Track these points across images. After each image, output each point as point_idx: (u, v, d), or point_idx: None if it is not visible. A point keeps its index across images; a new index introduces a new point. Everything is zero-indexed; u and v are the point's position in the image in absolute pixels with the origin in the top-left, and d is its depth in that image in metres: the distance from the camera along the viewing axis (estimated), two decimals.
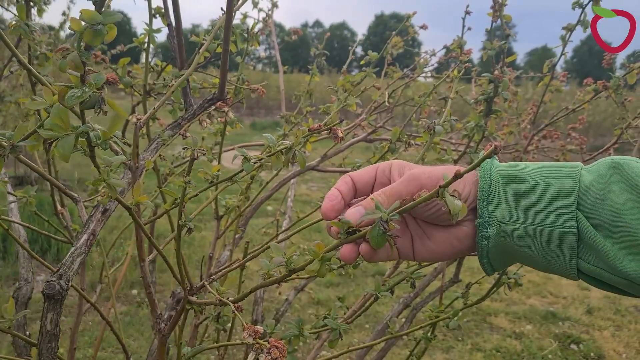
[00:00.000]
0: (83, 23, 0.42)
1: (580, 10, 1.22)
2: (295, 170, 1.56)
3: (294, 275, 0.64)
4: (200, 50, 0.93)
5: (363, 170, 0.62)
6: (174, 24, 1.06)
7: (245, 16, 1.44)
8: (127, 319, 3.32)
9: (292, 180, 1.87)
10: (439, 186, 0.48)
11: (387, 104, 1.49)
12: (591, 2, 1.19)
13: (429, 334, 1.19)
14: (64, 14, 3.21)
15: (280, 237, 1.31)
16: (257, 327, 0.57)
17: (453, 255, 0.59)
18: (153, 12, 1.10)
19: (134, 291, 3.67)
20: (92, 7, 0.45)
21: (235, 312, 0.64)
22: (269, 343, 0.52)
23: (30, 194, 1.10)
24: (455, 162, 1.22)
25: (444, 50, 1.80)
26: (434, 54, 1.73)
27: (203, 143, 1.52)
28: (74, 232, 1.33)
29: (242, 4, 0.93)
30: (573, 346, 3.47)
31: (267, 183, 1.36)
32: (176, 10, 1.00)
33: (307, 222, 0.96)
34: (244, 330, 0.58)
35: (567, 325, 3.78)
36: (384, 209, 0.49)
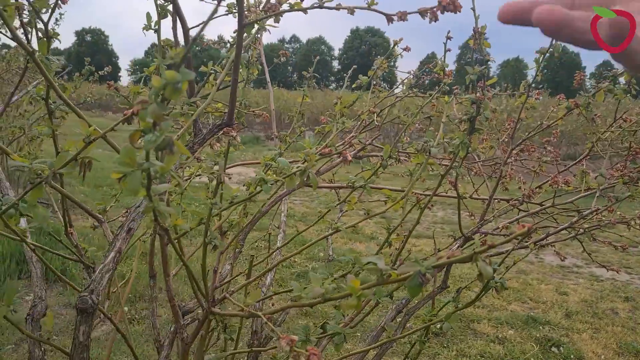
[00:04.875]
0: (163, 81, 0.50)
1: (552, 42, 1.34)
2: (291, 188, 1.65)
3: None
4: (218, 81, 1.02)
5: None
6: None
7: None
8: (119, 336, 3.33)
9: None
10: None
11: (375, 122, 1.59)
12: None
13: (423, 337, 1.28)
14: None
15: (281, 251, 1.39)
16: (292, 336, 0.65)
17: None
18: (162, 43, 1.18)
19: (125, 308, 3.69)
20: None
21: (268, 322, 0.72)
22: (307, 351, 0.60)
23: (47, 216, 1.16)
24: (442, 176, 1.32)
25: (421, 65, 1.92)
26: (417, 74, 1.84)
27: (201, 163, 1.60)
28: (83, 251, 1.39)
29: (252, 38, 1.03)
30: (554, 349, 3.59)
31: (268, 199, 1.44)
32: (187, 42, 1.08)
33: (301, 237, 1.04)
34: (279, 340, 0.65)
35: (547, 329, 3.91)
36: None
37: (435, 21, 0.79)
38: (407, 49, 1.91)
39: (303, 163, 1.11)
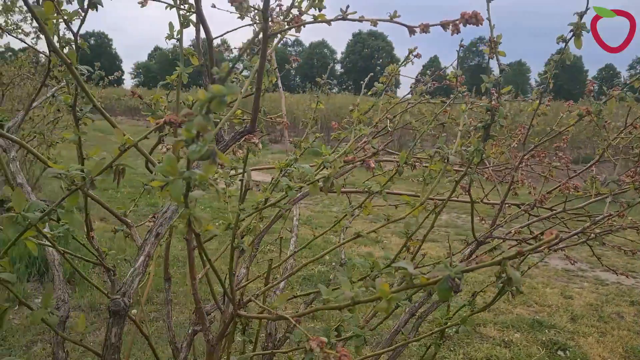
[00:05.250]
0: (209, 94, 0.53)
1: (564, 44, 1.37)
2: (305, 191, 1.67)
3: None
4: (243, 89, 1.05)
5: None
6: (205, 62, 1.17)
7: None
8: (128, 337, 3.36)
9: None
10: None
11: (389, 128, 1.62)
12: (573, 37, 1.33)
13: (438, 340, 1.31)
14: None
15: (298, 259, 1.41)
16: (321, 337, 0.67)
17: None
18: (184, 52, 1.21)
19: (134, 310, 3.72)
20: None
21: (297, 325, 0.74)
22: (337, 352, 0.63)
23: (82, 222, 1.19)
24: (457, 182, 1.35)
25: (424, 69, 1.95)
26: (427, 82, 1.87)
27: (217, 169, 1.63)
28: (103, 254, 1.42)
29: (274, 48, 1.05)
30: (560, 353, 3.61)
31: (285, 204, 1.47)
32: (210, 52, 1.11)
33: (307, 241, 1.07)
34: (308, 341, 0.68)
35: (553, 332, 3.93)
36: None
37: (457, 33, 0.82)
38: (418, 56, 1.94)
39: (323, 169, 1.14)
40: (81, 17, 1.04)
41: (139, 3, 1.12)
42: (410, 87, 1.93)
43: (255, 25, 1.13)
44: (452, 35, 0.82)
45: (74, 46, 1.13)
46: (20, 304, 0.79)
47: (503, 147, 1.71)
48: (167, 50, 67.75)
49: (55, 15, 0.86)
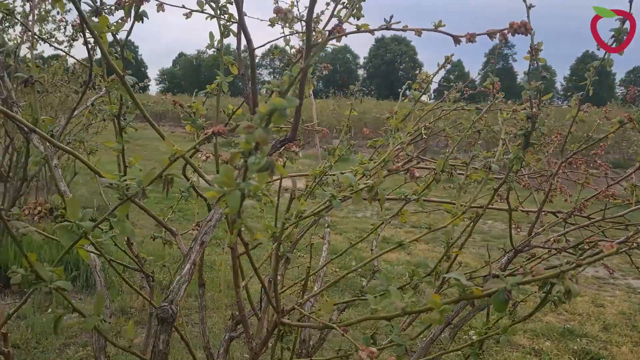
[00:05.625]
0: (270, 107, 0.54)
1: (605, 54, 1.35)
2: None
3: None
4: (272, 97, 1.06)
5: None
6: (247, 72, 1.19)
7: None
8: None
9: None
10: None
11: (423, 136, 1.62)
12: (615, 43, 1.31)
13: (477, 350, 1.29)
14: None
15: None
16: (371, 348, 0.67)
17: None
18: (224, 61, 1.23)
19: None
20: None
21: (344, 335, 0.74)
22: None
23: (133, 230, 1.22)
24: (496, 190, 1.34)
25: (447, 73, 1.93)
26: (461, 89, 1.85)
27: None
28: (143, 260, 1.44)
29: (313, 57, 1.06)
30: None
31: (320, 212, 1.47)
32: (252, 61, 1.13)
33: (332, 247, 1.07)
34: (358, 351, 0.68)
35: (584, 341, 3.85)
36: None
37: (505, 44, 0.82)
38: (449, 61, 1.93)
39: (362, 177, 1.14)
40: (128, 30, 1.06)
41: (183, 15, 1.15)
42: (434, 91, 1.92)
43: (298, 35, 1.14)
44: (499, 45, 0.82)
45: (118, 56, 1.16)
46: (74, 310, 0.81)
47: (540, 154, 1.69)
48: (191, 56, 68.61)
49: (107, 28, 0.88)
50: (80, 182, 7.33)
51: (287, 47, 1.79)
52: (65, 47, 3.81)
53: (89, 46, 1.38)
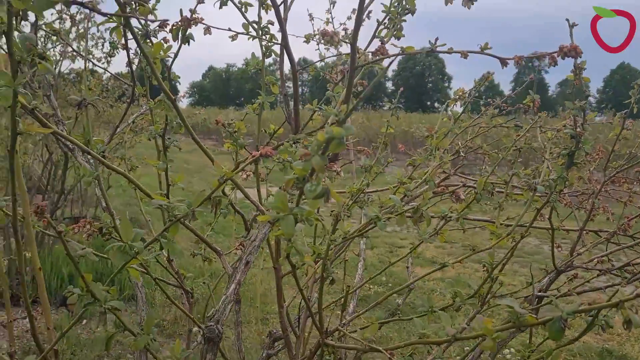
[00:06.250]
0: (327, 135, 0.55)
1: None
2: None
3: None
4: (329, 120, 1.07)
5: None
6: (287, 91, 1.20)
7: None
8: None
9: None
10: None
11: (461, 153, 1.60)
12: None
13: None
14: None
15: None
16: None
17: None
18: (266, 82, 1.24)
19: (195, 328, 3.80)
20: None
21: (391, 358, 0.74)
22: None
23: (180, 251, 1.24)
24: (539, 210, 1.32)
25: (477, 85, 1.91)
26: (499, 105, 1.84)
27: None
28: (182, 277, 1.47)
29: (357, 78, 1.07)
30: None
31: (355, 230, 1.47)
32: (295, 83, 1.14)
33: (370, 263, 1.06)
34: None
35: None
36: None
37: (555, 66, 0.81)
38: (489, 77, 1.91)
39: (403, 197, 1.14)
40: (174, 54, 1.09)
41: (229, 37, 1.17)
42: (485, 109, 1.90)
43: (342, 56, 1.15)
44: (549, 66, 0.81)
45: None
46: (125, 329, 0.82)
47: (581, 172, 1.66)
48: (221, 69, 69.66)
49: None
50: (112, 194, 7.48)
51: (323, 64, 1.81)
52: (103, 63, 3.92)
53: (131, 65, 1.42)
